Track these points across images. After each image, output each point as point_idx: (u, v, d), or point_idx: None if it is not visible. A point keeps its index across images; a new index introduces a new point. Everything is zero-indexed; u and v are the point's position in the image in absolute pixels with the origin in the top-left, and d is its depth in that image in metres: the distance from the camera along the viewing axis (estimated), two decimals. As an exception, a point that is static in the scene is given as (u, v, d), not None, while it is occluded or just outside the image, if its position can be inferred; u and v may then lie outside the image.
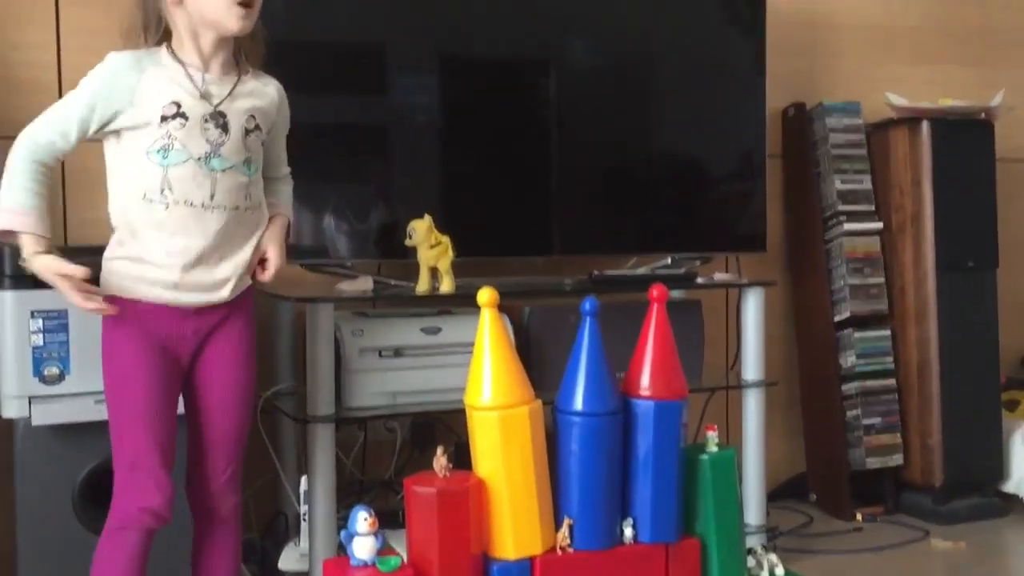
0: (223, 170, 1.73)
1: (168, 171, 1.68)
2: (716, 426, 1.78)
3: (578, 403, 1.61)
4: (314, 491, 2.35)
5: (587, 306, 1.64)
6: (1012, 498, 3.48)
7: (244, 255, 1.81)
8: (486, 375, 1.58)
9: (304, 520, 2.47)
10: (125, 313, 1.74)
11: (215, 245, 1.75)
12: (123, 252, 1.75)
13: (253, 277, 1.89)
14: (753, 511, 2.89)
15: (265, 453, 2.71)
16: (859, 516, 3.39)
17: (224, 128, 1.72)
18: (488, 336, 1.60)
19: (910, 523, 3.35)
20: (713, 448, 1.73)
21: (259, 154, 1.82)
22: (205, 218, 1.72)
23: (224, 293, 1.80)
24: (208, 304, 1.79)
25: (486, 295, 1.60)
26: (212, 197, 1.72)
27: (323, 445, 2.33)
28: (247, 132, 1.77)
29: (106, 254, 1.77)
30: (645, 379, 1.65)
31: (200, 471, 1.87)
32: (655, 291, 1.68)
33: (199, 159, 1.70)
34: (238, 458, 1.89)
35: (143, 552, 1.76)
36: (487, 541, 1.58)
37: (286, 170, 2.00)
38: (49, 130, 1.68)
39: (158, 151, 1.68)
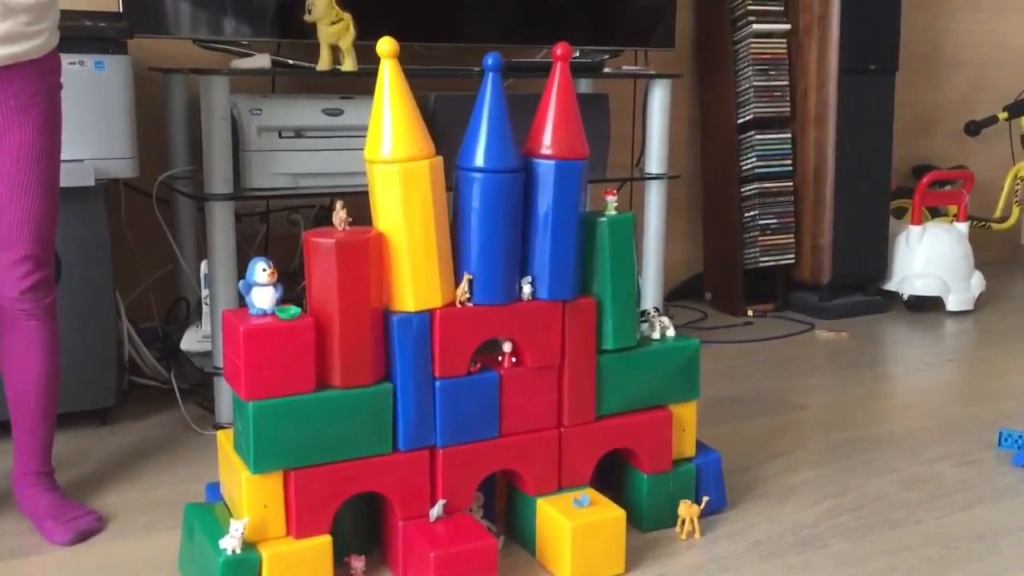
0: None
1: None
2: (615, 190, 1.80)
3: (479, 159, 1.59)
4: (214, 273, 2.33)
5: (489, 61, 1.60)
6: (893, 295, 3.68)
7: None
8: (386, 128, 1.54)
9: (205, 304, 2.45)
10: None
11: None
12: None
13: None
14: (650, 303, 2.99)
15: (163, 240, 2.66)
16: (750, 312, 3.55)
17: None
18: (388, 88, 1.55)
19: (797, 318, 3.53)
20: (611, 212, 1.75)
21: None
22: None
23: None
24: None
25: (386, 45, 1.54)
26: None
27: (222, 225, 2.29)
28: None
29: None
30: (547, 139, 1.64)
31: None
32: (559, 49, 1.65)
33: None
34: (40, 256, 1.76)
35: None
36: (387, 295, 1.60)
37: None
38: None
39: None
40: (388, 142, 1.55)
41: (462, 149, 1.63)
